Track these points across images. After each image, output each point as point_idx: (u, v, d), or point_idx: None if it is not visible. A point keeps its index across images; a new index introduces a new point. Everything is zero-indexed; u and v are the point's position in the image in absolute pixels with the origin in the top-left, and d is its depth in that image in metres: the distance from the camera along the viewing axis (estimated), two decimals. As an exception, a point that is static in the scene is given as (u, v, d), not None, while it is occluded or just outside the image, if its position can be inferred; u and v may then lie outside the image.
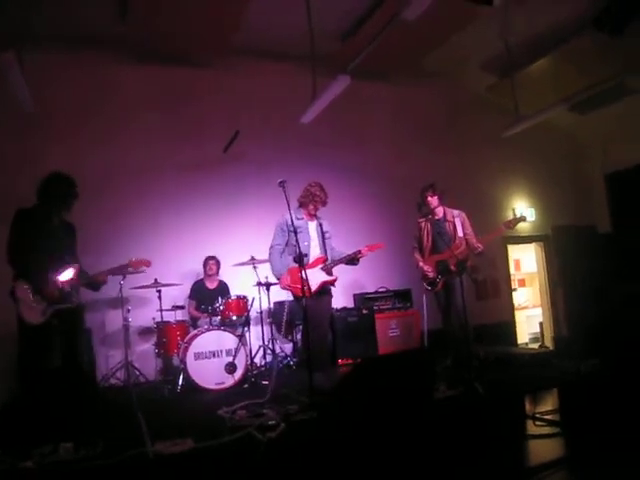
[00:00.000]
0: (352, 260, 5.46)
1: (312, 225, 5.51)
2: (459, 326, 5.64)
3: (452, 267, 5.71)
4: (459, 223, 5.84)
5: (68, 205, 4.65)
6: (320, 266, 5.37)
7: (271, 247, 5.46)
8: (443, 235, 5.87)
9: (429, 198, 5.95)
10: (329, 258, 5.46)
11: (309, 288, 4.68)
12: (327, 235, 5.52)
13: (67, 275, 4.45)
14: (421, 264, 6.05)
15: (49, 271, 4.39)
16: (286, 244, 5.43)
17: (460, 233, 5.81)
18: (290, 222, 5.06)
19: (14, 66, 4.90)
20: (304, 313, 4.84)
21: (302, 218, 5.45)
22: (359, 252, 5.39)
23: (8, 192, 6.28)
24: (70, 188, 4.62)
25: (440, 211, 6.00)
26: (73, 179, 4.67)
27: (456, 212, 5.97)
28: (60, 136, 6.88)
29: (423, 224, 6.10)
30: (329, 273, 5.41)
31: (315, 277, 5.20)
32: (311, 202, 5.43)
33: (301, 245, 5.10)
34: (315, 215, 5.53)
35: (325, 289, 5.42)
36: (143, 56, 7.30)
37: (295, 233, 4.90)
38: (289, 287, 5.31)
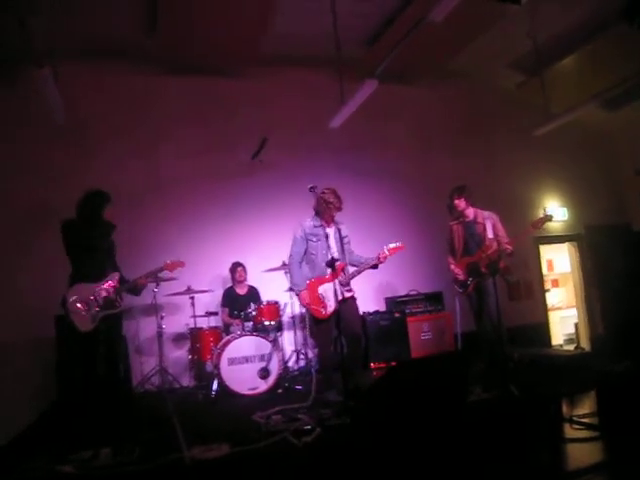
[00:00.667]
0: (372, 266, 5.36)
1: (330, 231, 5.30)
2: (492, 328, 5.59)
3: (482, 269, 5.68)
4: (489, 225, 5.77)
5: (101, 217, 4.84)
6: (339, 279, 5.13)
7: (290, 256, 5.36)
8: (474, 237, 5.84)
9: (456, 201, 5.94)
10: (347, 263, 5.33)
11: (343, 298, 4.74)
12: (346, 240, 5.36)
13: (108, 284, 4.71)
14: (452, 267, 6.03)
15: (92, 280, 4.64)
16: (305, 252, 5.33)
17: (490, 235, 5.74)
18: (308, 229, 5.15)
19: (50, 81, 5.04)
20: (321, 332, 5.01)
21: (320, 225, 5.30)
22: (377, 259, 5.25)
23: (44, 205, 6.49)
24: (104, 202, 4.80)
25: (471, 213, 5.96)
26: (106, 194, 4.84)
27: (487, 213, 5.92)
28: (94, 149, 7.06)
29: (455, 227, 6.07)
30: (347, 285, 5.27)
31: (332, 293, 5.02)
32: (326, 209, 5.24)
33: (320, 253, 5.19)
34: (332, 221, 5.34)
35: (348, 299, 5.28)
36: (173, 67, 7.40)
37: (327, 238, 4.89)
38: (309, 307, 5.22)
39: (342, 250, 5.27)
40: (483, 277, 5.70)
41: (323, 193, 5.22)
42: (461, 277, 5.93)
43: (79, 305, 4.58)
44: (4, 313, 6.21)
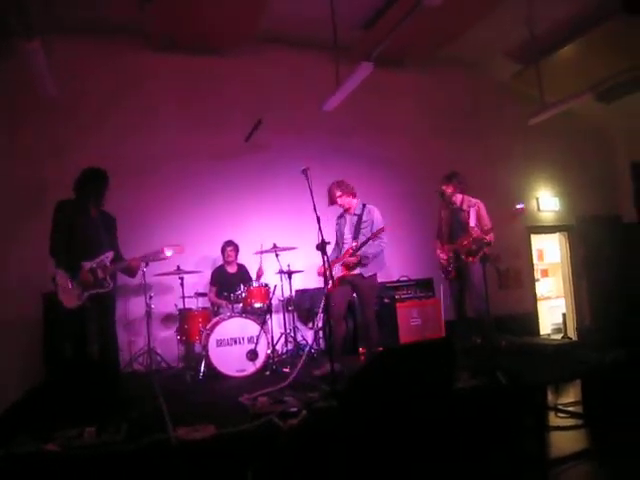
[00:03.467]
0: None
1: (349, 218, 5.73)
2: (477, 315, 5.62)
3: (462, 256, 5.74)
4: (473, 213, 5.83)
5: (101, 198, 4.82)
6: (345, 260, 5.55)
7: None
8: (460, 224, 5.90)
9: (443, 187, 5.98)
10: (357, 245, 5.54)
11: (333, 282, 4.98)
12: (364, 225, 5.60)
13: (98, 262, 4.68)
14: (438, 251, 6.10)
15: (84, 260, 4.60)
16: (336, 242, 5.82)
17: (472, 223, 5.79)
18: (336, 219, 5.83)
19: (39, 55, 4.96)
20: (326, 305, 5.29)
21: (342, 214, 5.83)
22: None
23: (37, 183, 6.43)
24: (104, 182, 4.78)
25: (458, 199, 5.98)
26: (106, 173, 4.81)
27: (473, 201, 5.94)
28: (85, 126, 6.95)
29: (443, 212, 6.12)
30: (348, 266, 5.53)
31: (335, 272, 5.40)
32: (336, 200, 5.67)
33: (340, 239, 5.77)
34: (351, 208, 5.72)
35: (352, 278, 5.54)
36: (166, 45, 7.30)
37: (318, 221, 4.91)
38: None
39: (356, 234, 5.60)
40: (466, 264, 5.74)
41: (330, 187, 5.70)
42: (444, 262, 5.99)
43: (67, 282, 4.55)
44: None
